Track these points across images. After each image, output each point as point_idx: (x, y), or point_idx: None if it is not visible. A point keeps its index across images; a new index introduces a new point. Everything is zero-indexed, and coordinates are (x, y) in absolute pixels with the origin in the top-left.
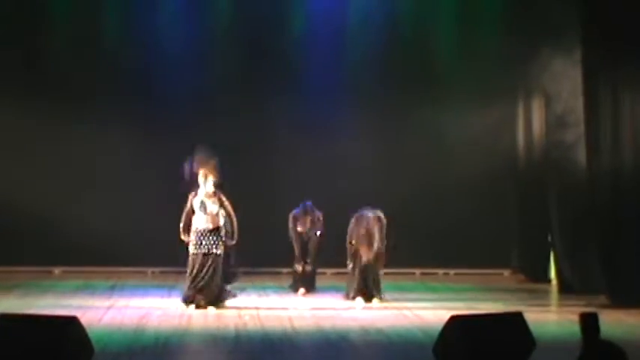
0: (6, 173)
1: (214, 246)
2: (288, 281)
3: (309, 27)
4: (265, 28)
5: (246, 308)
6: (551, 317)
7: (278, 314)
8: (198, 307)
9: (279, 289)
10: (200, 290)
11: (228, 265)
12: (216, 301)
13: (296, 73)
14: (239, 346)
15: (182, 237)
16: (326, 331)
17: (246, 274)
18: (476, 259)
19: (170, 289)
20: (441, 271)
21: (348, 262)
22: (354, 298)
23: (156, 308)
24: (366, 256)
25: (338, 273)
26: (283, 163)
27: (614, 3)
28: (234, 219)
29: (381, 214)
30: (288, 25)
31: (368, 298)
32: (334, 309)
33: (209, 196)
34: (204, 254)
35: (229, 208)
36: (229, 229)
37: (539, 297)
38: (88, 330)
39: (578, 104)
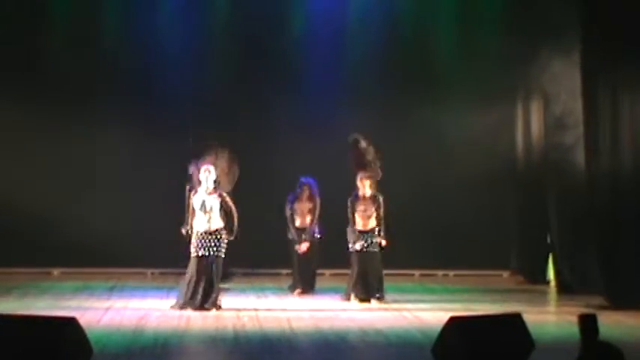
0: (5, 173)
1: (215, 248)
2: (287, 282)
3: (309, 27)
4: (265, 28)
5: (244, 309)
6: (550, 318)
7: (277, 315)
8: (196, 309)
9: (278, 290)
10: (198, 294)
11: (223, 265)
12: (213, 304)
13: (296, 72)
14: (238, 347)
15: (182, 229)
16: (325, 332)
17: (245, 275)
18: (475, 261)
19: (169, 290)
20: (440, 273)
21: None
22: (348, 298)
23: (155, 309)
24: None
25: (337, 274)
26: (283, 163)
27: (614, 4)
28: (235, 215)
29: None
30: (288, 25)
31: (366, 299)
32: (333, 310)
33: (210, 193)
34: (206, 257)
35: (230, 203)
36: (230, 226)
37: (538, 298)
38: (86, 331)
39: (578, 105)
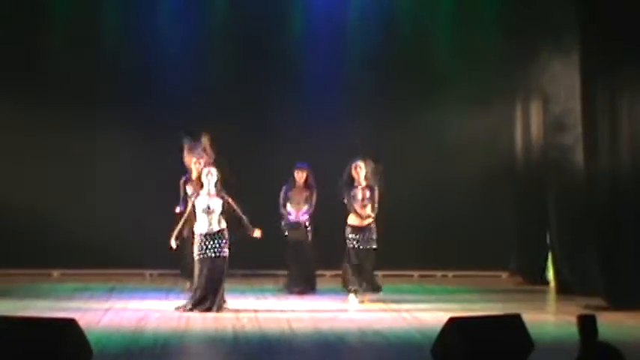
0: (5, 174)
1: (219, 249)
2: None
3: (308, 27)
4: (265, 28)
5: (244, 310)
6: (549, 319)
7: (276, 316)
8: (203, 311)
9: (278, 291)
10: (207, 296)
11: None
12: (220, 306)
13: (296, 72)
14: (237, 348)
15: (172, 242)
16: (324, 333)
17: (245, 276)
18: (474, 261)
19: (168, 291)
20: (439, 273)
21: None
22: (349, 291)
23: (154, 310)
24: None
25: (337, 275)
26: (283, 162)
27: (613, 4)
28: (242, 214)
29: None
30: (288, 25)
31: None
32: (332, 311)
33: (212, 195)
34: (212, 258)
35: (233, 204)
36: (244, 224)
37: (538, 299)
38: (86, 332)
39: (577, 106)
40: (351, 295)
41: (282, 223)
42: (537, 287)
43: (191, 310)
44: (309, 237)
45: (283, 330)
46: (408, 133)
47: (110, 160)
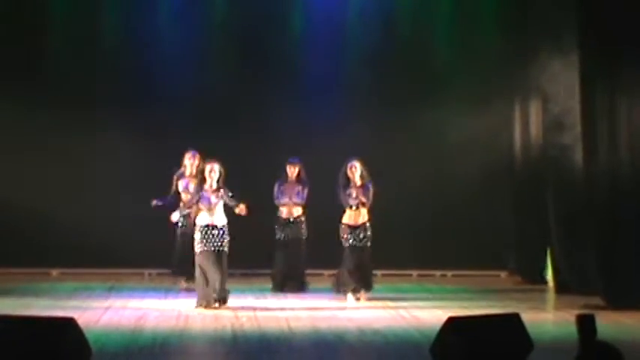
0: (4, 174)
1: (220, 243)
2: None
3: (308, 27)
4: (265, 27)
5: (243, 309)
6: (548, 318)
7: (275, 315)
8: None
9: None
10: (212, 289)
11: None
12: (224, 301)
13: (295, 72)
14: (236, 347)
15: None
16: (323, 332)
17: (244, 275)
18: (473, 261)
19: (167, 290)
20: (438, 273)
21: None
22: (345, 292)
23: (153, 309)
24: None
25: (334, 275)
26: (283, 162)
27: (612, 5)
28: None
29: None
30: (288, 25)
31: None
32: (331, 309)
33: (213, 191)
34: (213, 252)
35: (229, 200)
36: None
37: (536, 298)
38: (85, 331)
39: (576, 105)
40: (349, 295)
41: (276, 220)
42: (536, 287)
43: (207, 305)
44: (304, 235)
45: (282, 329)
46: (407, 133)
47: (110, 160)
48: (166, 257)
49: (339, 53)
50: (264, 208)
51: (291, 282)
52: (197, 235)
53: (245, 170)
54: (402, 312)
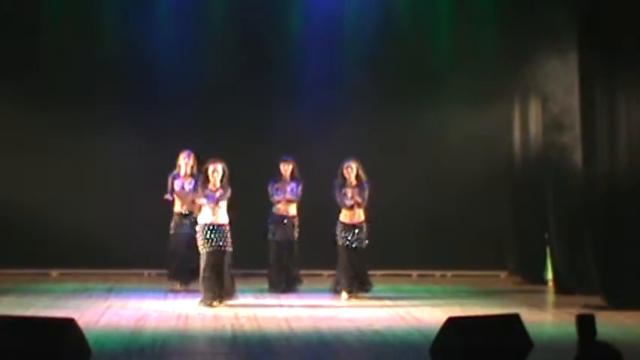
0: (4, 173)
1: (223, 242)
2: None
3: (307, 26)
4: (264, 26)
5: (242, 306)
6: (548, 318)
7: (275, 316)
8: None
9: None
10: (220, 289)
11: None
12: (231, 297)
13: (294, 71)
14: (236, 348)
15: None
16: (322, 332)
17: (244, 275)
18: (472, 261)
19: (167, 291)
20: (437, 273)
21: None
22: (339, 292)
23: (153, 310)
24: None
25: (334, 275)
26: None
27: (611, 4)
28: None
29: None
30: (287, 24)
31: (353, 292)
32: (331, 309)
33: (216, 190)
34: (217, 251)
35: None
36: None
37: (536, 298)
38: (85, 332)
39: (575, 104)
40: (343, 293)
41: (268, 219)
42: (536, 287)
43: (211, 304)
44: (296, 235)
45: (282, 329)
46: (407, 132)
47: (110, 160)
48: (166, 258)
49: (337, 52)
50: (264, 207)
51: (285, 283)
52: (200, 236)
53: (245, 170)
54: (402, 312)
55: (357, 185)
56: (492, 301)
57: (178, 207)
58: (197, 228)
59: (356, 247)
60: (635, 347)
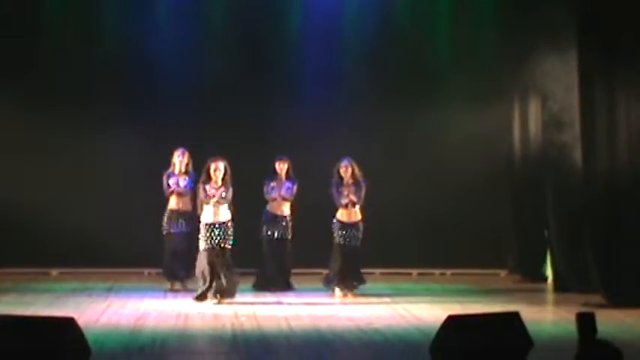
0: (4, 173)
1: (224, 239)
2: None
3: (306, 25)
4: (263, 26)
5: (242, 305)
6: (548, 317)
7: (275, 314)
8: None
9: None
10: (218, 285)
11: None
12: (232, 294)
13: (294, 71)
14: (236, 347)
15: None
16: (322, 331)
17: (243, 274)
18: (473, 259)
19: (167, 290)
20: (437, 271)
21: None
22: (332, 288)
23: (153, 309)
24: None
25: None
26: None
27: (611, 3)
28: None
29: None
30: (287, 23)
31: (347, 287)
32: (330, 307)
33: (218, 187)
34: (216, 248)
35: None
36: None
37: (536, 296)
38: (85, 331)
39: (575, 103)
40: (337, 289)
41: (263, 217)
42: (536, 285)
43: (201, 299)
44: (289, 234)
45: (282, 328)
46: (406, 131)
47: (110, 160)
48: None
49: (337, 52)
50: (264, 206)
51: (277, 282)
52: (203, 234)
53: (245, 170)
54: (402, 311)
55: (353, 184)
56: (492, 299)
57: (173, 204)
58: (200, 227)
59: (352, 245)
60: (636, 345)
